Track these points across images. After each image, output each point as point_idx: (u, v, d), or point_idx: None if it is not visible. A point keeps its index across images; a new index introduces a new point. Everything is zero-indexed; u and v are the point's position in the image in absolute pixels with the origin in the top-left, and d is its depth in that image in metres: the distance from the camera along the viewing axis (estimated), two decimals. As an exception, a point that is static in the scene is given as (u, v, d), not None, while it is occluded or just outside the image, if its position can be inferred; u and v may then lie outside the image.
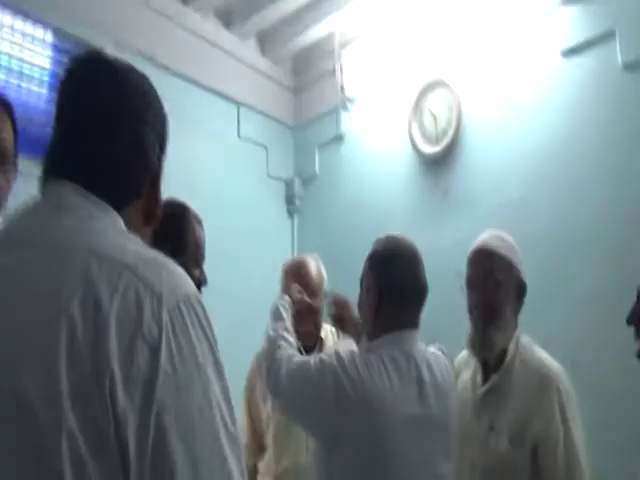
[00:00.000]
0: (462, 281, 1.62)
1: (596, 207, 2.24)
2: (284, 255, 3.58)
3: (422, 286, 1.43)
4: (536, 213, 2.42)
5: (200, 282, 1.52)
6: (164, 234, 1.53)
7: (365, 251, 3.13)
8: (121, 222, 0.75)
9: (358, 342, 1.62)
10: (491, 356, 1.53)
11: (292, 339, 1.53)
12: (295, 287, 1.78)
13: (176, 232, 1.50)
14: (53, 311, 0.59)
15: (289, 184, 3.65)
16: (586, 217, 2.26)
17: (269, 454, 1.84)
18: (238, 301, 3.06)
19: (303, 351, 1.87)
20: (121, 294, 0.60)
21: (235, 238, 3.19)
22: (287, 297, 1.72)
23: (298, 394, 1.36)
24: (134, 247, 0.69)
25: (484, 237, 1.63)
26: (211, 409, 0.63)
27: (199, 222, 1.56)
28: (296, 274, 1.89)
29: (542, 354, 1.55)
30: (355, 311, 1.66)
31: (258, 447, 1.90)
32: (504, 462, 1.43)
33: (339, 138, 3.49)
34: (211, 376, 0.65)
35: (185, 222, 1.52)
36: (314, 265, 1.94)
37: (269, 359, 1.46)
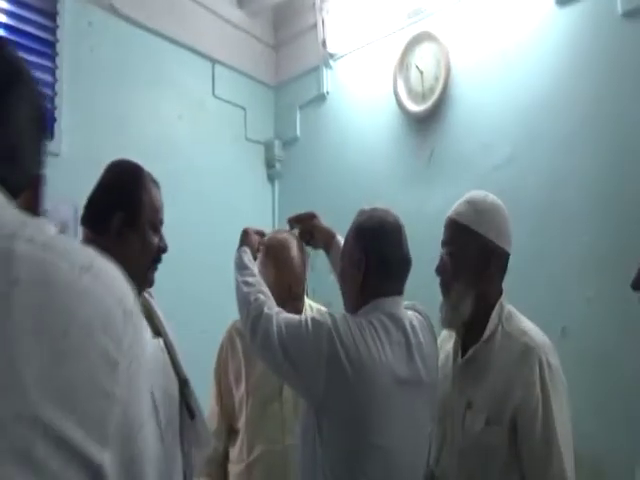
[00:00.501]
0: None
1: (592, 164, 2.09)
2: (264, 222, 3.44)
3: (408, 259, 1.44)
4: (528, 173, 2.28)
5: (160, 250, 1.39)
6: (116, 198, 1.39)
7: (349, 216, 3.01)
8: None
9: (328, 252, 1.73)
10: (452, 327, 1.49)
11: (267, 289, 1.50)
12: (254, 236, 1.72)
13: (129, 195, 1.35)
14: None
15: (269, 147, 3.47)
16: (581, 176, 2.12)
17: (241, 440, 1.71)
18: (214, 271, 2.92)
19: None
20: None
21: (210, 204, 3.04)
22: (246, 248, 1.66)
23: (291, 351, 1.30)
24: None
25: (458, 202, 1.55)
26: None
27: (155, 183, 1.40)
28: (277, 258, 1.74)
29: (527, 324, 1.44)
30: (322, 220, 1.76)
31: (228, 431, 1.78)
32: (479, 442, 1.34)
33: (321, 98, 3.30)
34: None
35: (139, 183, 1.36)
36: (296, 246, 1.78)
37: (255, 314, 1.39)
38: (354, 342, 1.26)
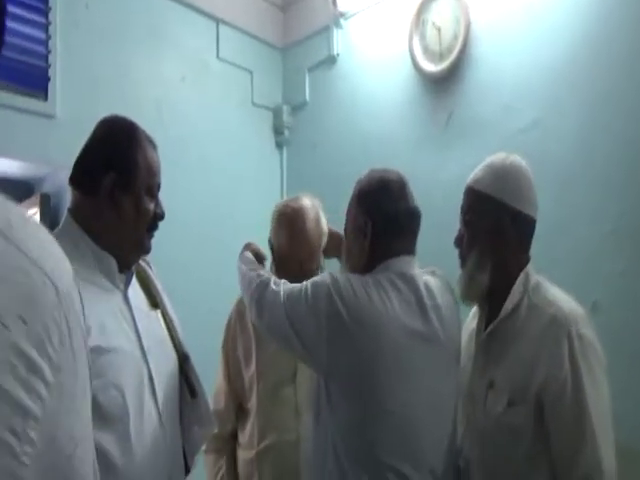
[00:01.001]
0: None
1: (625, 127, 1.92)
2: (272, 191, 3.31)
3: (416, 212, 1.35)
4: (555, 137, 2.11)
5: (156, 216, 1.26)
6: (108, 156, 1.26)
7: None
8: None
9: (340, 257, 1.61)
10: (471, 300, 1.39)
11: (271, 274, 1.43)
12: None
13: (123, 154, 1.21)
14: None
15: (277, 112, 3.31)
16: (613, 140, 1.95)
17: (251, 425, 1.60)
18: (220, 241, 2.81)
19: None
20: None
21: (215, 173, 2.91)
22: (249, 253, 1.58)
23: (294, 319, 1.25)
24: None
25: (478, 167, 1.44)
26: None
27: (151, 143, 1.27)
28: (291, 227, 1.60)
29: (557, 294, 1.30)
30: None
31: (237, 410, 1.67)
32: (502, 424, 1.23)
33: (331, 60, 3.13)
34: None
35: (133, 141, 1.22)
36: (313, 217, 1.63)
37: (259, 292, 1.34)
38: (354, 295, 1.20)
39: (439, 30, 2.57)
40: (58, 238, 1.06)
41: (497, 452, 1.24)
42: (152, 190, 1.25)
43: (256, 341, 1.61)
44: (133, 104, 2.45)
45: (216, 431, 1.59)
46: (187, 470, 1.31)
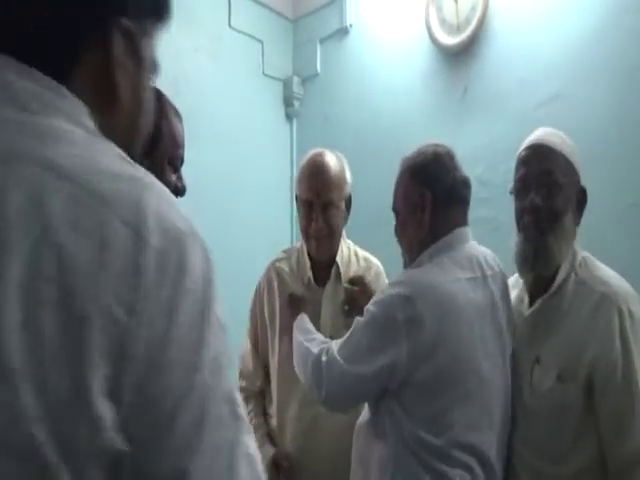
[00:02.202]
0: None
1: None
2: (282, 163, 3.29)
3: (467, 179, 1.37)
4: (576, 114, 2.08)
5: (177, 190, 1.23)
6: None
7: (372, 157, 2.86)
8: (82, 110, 0.53)
9: None
10: (547, 273, 1.29)
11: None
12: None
13: None
14: None
15: (287, 84, 3.27)
16: (638, 112, 1.93)
17: (272, 392, 1.63)
18: (229, 213, 2.81)
19: (312, 279, 1.63)
20: (88, 234, 0.44)
21: (227, 143, 2.88)
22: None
23: (367, 357, 1.21)
24: (109, 161, 0.50)
25: (540, 133, 1.38)
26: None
27: (178, 115, 1.25)
28: (314, 179, 1.57)
29: (605, 271, 1.29)
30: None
31: (265, 371, 1.68)
32: (549, 401, 1.23)
33: (344, 31, 3.09)
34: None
35: (159, 109, 1.21)
36: (337, 166, 1.59)
37: (314, 369, 1.29)
38: (430, 290, 1.21)
39: (456, 1, 2.53)
40: None
41: (543, 428, 1.24)
42: (175, 162, 1.22)
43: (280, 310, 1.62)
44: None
45: (244, 385, 1.65)
46: None
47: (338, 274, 1.61)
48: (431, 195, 1.30)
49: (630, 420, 1.15)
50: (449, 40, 2.56)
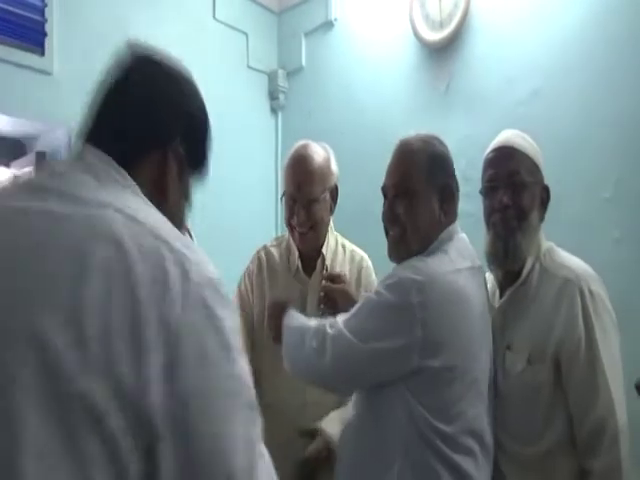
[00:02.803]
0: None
1: (628, 100, 1.95)
2: (267, 156, 3.30)
3: None
4: (555, 109, 2.13)
5: None
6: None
7: (355, 151, 2.87)
8: (140, 190, 0.76)
9: None
10: (515, 267, 1.35)
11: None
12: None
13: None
14: (79, 261, 0.59)
15: (272, 77, 3.28)
16: (614, 109, 1.98)
17: (259, 373, 1.60)
18: (213, 206, 2.81)
19: (300, 268, 1.63)
20: (152, 262, 0.62)
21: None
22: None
23: (377, 335, 1.17)
24: (158, 216, 0.71)
25: (505, 135, 1.43)
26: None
27: None
28: (296, 172, 1.57)
29: (566, 257, 1.36)
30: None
31: (252, 345, 1.64)
32: (521, 383, 1.28)
33: (329, 25, 3.10)
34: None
35: None
36: (320, 158, 1.59)
37: (317, 339, 1.23)
38: (442, 278, 1.19)
39: (440, -2, 2.56)
40: None
41: (517, 410, 1.29)
42: None
43: (269, 284, 1.64)
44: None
45: None
46: None
47: (324, 265, 1.62)
48: (452, 186, 1.31)
49: (594, 393, 1.21)
50: (432, 36, 2.58)
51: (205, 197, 2.75)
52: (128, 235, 0.62)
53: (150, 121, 0.81)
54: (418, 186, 1.27)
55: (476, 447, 1.20)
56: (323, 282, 1.54)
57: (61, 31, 2.19)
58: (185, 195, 0.87)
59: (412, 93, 2.69)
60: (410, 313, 1.14)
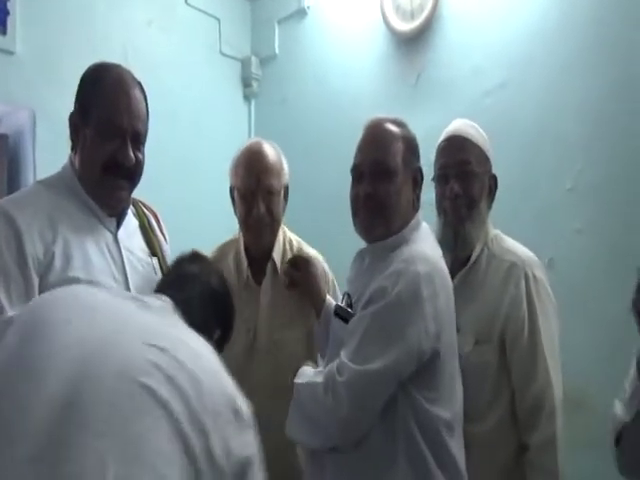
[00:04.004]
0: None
1: (589, 91, 1.98)
2: (239, 144, 3.25)
3: None
4: (521, 100, 2.16)
5: (115, 160, 1.21)
6: (76, 96, 1.25)
7: (328, 138, 2.88)
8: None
9: (318, 317, 1.48)
10: (465, 253, 1.41)
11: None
12: None
13: (83, 92, 1.25)
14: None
15: (245, 64, 3.25)
16: (578, 103, 2.01)
17: None
18: (187, 193, 2.80)
19: (250, 277, 1.59)
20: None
21: (182, 123, 2.85)
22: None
23: (396, 347, 1.12)
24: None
25: (456, 125, 1.50)
26: None
27: (123, 84, 1.25)
28: (254, 166, 1.54)
29: (512, 244, 1.43)
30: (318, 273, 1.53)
31: None
32: (470, 362, 1.33)
33: (302, 12, 3.08)
34: None
35: (95, 81, 1.24)
36: (274, 154, 1.58)
37: (331, 393, 1.14)
38: (437, 263, 1.21)
39: (411, -12, 2.56)
40: (53, 185, 1.25)
41: (465, 390, 1.31)
42: (111, 129, 1.20)
43: None
44: (97, 45, 2.37)
45: None
46: None
47: (274, 269, 1.59)
48: (422, 173, 1.32)
49: (534, 369, 1.30)
50: (403, 26, 2.59)
51: (177, 184, 2.76)
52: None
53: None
54: (397, 167, 1.26)
55: (459, 430, 1.22)
56: (285, 267, 1.55)
57: (24, 9, 2.13)
58: None
59: (383, 82, 2.69)
60: (422, 308, 1.13)
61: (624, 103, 1.90)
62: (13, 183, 2.33)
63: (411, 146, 1.30)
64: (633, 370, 1.06)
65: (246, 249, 1.61)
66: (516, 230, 1.56)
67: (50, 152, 2.17)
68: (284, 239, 1.65)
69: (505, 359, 1.33)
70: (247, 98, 3.30)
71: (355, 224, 1.32)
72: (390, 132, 1.29)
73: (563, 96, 2.04)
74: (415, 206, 1.30)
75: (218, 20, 3.10)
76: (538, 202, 2.05)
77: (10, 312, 1.05)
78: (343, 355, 1.15)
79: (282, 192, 1.59)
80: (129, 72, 1.26)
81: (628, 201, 1.85)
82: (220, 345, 1.14)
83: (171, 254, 2.37)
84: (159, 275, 1.31)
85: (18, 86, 2.12)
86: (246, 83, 3.28)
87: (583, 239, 1.95)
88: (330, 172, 2.57)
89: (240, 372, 1.47)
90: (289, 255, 1.61)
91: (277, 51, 3.21)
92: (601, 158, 1.94)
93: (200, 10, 2.99)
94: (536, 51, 2.13)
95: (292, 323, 1.55)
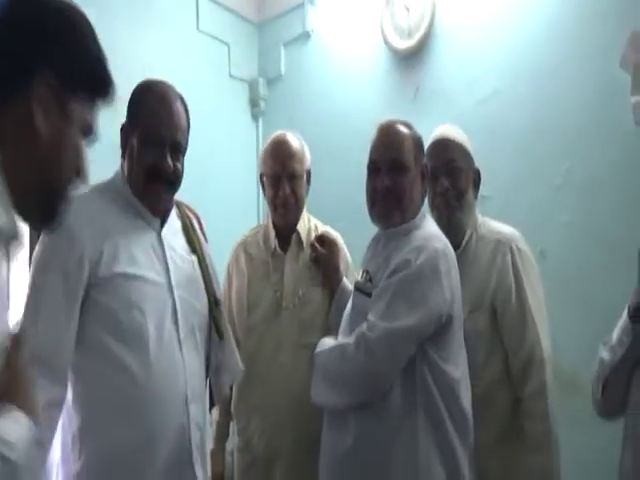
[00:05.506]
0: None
1: (574, 95, 2.16)
2: (248, 162, 3.43)
3: None
4: (512, 106, 2.34)
5: (156, 168, 1.35)
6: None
7: (334, 154, 3.05)
8: None
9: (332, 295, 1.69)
10: (457, 239, 1.56)
11: None
12: None
13: (129, 107, 1.41)
14: None
15: (253, 85, 3.45)
16: (565, 106, 2.18)
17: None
18: (198, 209, 2.93)
19: (277, 246, 1.76)
20: None
21: (193, 141, 2.94)
22: None
23: (422, 311, 1.30)
24: None
25: (440, 130, 1.68)
26: None
27: (163, 98, 1.39)
28: (279, 153, 1.75)
29: (497, 225, 1.60)
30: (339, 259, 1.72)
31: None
32: (465, 330, 1.45)
33: (306, 35, 3.28)
34: None
35: (139, 96, 1.42)
36: (297, 143, 1.79)
37: (363, 347, 1.30)
38: (446, 242, 1.40)
39: (408, 9, 2.75)
40: (105, 189, 1.40)
41: None
42: (152, 139, 1.34)
43: (248, 280, 1.77)
44: (118, 70, 2.54)
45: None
46: (212, 403, 1.48)
47: (299, 241, 1.78)
48: (428, 170, 1.50)
49: (524, 331, 1.46)
50: (402, 44, 2.77)
51: (189, 200, 2.90)
52: None
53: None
54: (410, 164, 1.44)
55: (467, 385, 1.37)
56: (313, 242, 1.75)
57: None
58: (66, 140, 0.75)
59: (384, 98, 2.86)
60: (440, 279, 1.30)
61: (607, 105, 2.07)
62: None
63: (419, 145, 1.48)
64: (623, 319, 1.21)
65: (274, 225, 1.79)
66: (509, 224, 1.70)
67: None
68: (308, 219, 1.84)
69: (496, 324, 1.48)
70: (255, 117, 3.49)
71: (372, 213, 1.48)
72: (402, 132, 1.47)
73: (551, 101, 2.22)
74: (423, 197, 1.48)
75: (228, 45, 3.30)
76: (530, 198, 2.20)
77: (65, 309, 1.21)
78: (372, 316, 1.31)
79: (305, 176, 1.78)
80: (172, 87, 1.41)
81: (612, 196, 2.01)
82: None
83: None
84: (198, 271, 1.44)
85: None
86: (254, 103, 3.46)
87: (572, 231, 2.10)
88: (336, 181, 2.74)
89: (267, 327, 1.70)
90: (313, 233, 1.80)
91: (283, 72, 3.39)
92: (587, 157, 2.10)
93: (211, 36, 3.19)
94: (524, 60, 2.31)
95: (315, 283, 1.73)
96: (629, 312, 1.19)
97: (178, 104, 1.40)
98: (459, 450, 1.28)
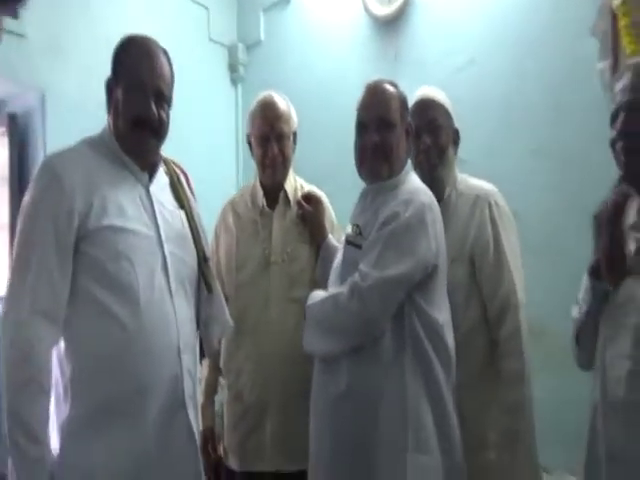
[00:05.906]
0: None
1: (550, 63, 2.24)
2: (227, 127, 3.45)
3: None
4: (489, 75, 2.41)
5: (140, 116, 1.34)
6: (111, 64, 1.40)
7: (314, 120, 3.08)
8: None
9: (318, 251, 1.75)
10: (439, 194, 1.60)
11: None
12: None
13: (114, 58, 1.38)
14: None
15: (232, 50, 3.45)
16: (540, 75, 2.26)
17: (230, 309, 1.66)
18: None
19: (265, 205, 1.80)
20: None
21: (173, 105, 2.99)
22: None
23: (413, 260, 1.35)
24: None
25: (423, 91, 1.72)
26: None
27: (148, 51, 1.37)
28: (267, 114, 1.77)
29: (476, 181, 1.66)
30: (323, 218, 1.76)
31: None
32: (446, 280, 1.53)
33: (285, 1, 3.29)
34: None
35: (124, 48, 1.38)
36: (284, 104, 1.81)
37: (356, 296, 1.36)
38: (432, 196, 1.45)
39: (388, -25, 2.77)
40: (94, 143, 1.40)
41: None
42: (136, 86, 1.33)
43: (236, 239, 1.82)
44: (101, 31, 2.52)
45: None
46: (202, 356, 1.51)
47: (286, 199, 1.82)
48: (412, 127, 1.54)
49: (500, 279, 1.54)
50: (381, 10, 2.80)
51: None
52: None
53: None
54: (397, 121, 1.48)
55: (450, 329, 1.45)
56: (299, 200, 1.79)
57: (34, -4, 2.30)
58: None
59: (363, 64, 2.90)
60: (427, 230, 1.37)
61: (581, 73, 2.15)
62: (23, 161, 2.48)
63: (404, 103, 1.53)
64: (584, 278, 1.30)
65: (261, 184, 1.83)
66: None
67: (60, 131, 2.32)
68: (294, 178, 1.88)
69: (474, 274, 1.56)
70: (234, 82, 3.49)
71: (360, 170, 1.54)
72: (389, 91, 1.51)
73: (526, 69, 2.29)
74: (408, 154, 1.54)
75: (207, 9, 3.28)
76: (506, 162, 2.29)
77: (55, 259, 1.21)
78: (364, 266, 1.37)
79: (291, 137, 1.81)
80: (156, 41, 1.42)
81: (583, 160, 2.10)
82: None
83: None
84: (186, 226, 1.46)
85: (28, 68, 2.27)
86: (233, 69, 3.47)
87: (546, 194, 2.21)
88: (317, 150, 2.77)
89: (256, 283, 1.74)
90: (299, 192, 1.83)
91: (262, 38, 3.40)
92: (561, 123, 2.19)
93: (190, -1, 3.17)
94: (501, 30, 2.38)
95: (302, 240, 1.78)
96: (588, 271, 1.28)
97: (161, 55, 1.40)
98: (444, 386, 1.37)
